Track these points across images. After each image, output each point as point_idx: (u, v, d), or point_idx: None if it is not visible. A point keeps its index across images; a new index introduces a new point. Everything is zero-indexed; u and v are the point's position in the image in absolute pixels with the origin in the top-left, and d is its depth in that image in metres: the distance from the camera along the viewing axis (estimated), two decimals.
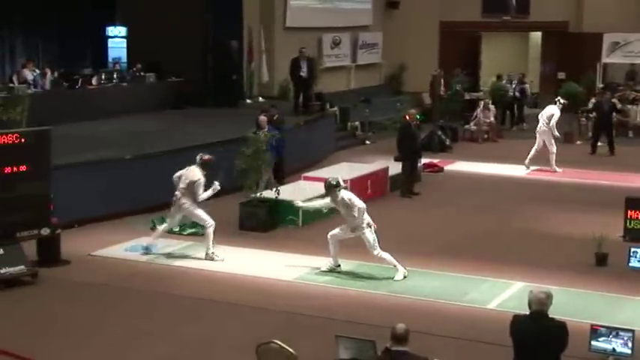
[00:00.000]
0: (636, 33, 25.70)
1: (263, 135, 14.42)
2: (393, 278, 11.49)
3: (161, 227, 12.86)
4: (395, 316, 9.03)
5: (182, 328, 9.89)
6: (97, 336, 9.62)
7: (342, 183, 11.79)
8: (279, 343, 7.14)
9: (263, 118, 16.20)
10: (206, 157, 12.53)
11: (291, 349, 7.08)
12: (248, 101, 22.83)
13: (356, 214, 11.48)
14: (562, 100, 19.99)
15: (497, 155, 21.35)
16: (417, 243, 13.41)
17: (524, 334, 6.78)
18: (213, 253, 12.36)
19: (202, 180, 12.33)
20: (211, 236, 12.36)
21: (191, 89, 21.87)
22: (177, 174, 12.58)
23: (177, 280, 11.64)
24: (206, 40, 22.18)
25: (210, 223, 12.39)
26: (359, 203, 11.55)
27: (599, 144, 21.80)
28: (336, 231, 11.76)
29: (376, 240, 11.60)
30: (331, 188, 11.63)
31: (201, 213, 12.48)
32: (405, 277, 11.52)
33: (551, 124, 19.26)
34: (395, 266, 11.59)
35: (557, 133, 19.37)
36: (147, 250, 12.61)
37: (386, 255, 11.62)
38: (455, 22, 28.46)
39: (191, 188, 12.33)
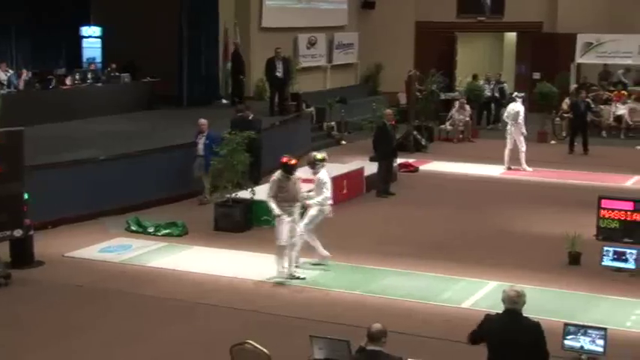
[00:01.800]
0: (609, 34, 25.88)
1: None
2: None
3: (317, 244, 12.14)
4: (370, 315, 9.06)
5: (157, 330, 9.85)
6: (72, 338, 9.56)
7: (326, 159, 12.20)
8: (253, 343, 7.13)
9: (203, 121, 16.05)
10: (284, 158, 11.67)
11: (265, 350, 7.07)
12: (224, 101, 22.79)
13: (325, 191, 11.84)
14: (518, 94, 20.21)
15: (472, 155, 21.45)
16: (393, 243, 13.43)
17: (497, 333, 6.79)
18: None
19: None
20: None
21: (166, 89, 21.80)
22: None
23: (152, 281, 11.59)
24: (181, 40, 22.10)
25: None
26: (329, 181, 12.05)
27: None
28: (304, 226, 11.85)
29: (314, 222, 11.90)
30: (318, 162, 11.91)
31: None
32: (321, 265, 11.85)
33: (519, 122, 19.39)
34: (318, 251, 11.87)
35: (524, 131, 19.48)
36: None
37: (311, 237, 11.86)
38: (430, 22, 28.53)
39: None
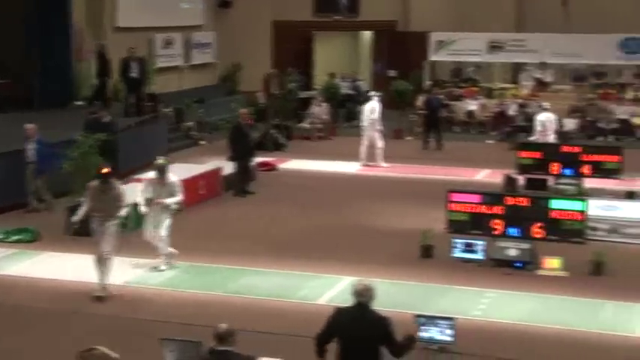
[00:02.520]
0: (460, 32, 26.69)
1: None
2: (159, 268, 11.94)
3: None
4: (226, 315, 9.08)
5: (5, 338, 9.56)
6: None
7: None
8: (103, 349, 6.97)
9: (30, 126, 15.54)
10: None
11: (114, 355, 6.93)
12: (78, 103, 22.21)
13: (178, 192, 11.91)
14: (374, 93, 20.76)
15: (330, 152, 21.72)
16: (249, 242, 13.46)
17: (346, 327, 6.91)
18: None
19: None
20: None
21: (16, 91, 21.05)
22: None
23: (3, 289, 11.23)
24: (32, 40, 21.40)
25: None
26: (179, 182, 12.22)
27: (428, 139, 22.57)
28: (162, 228, 11.89)
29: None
30: (165, 167, 11.98)
31: None
32: (161, 270, 11.91)
33: (374, 118, 19.85)
34: (162, 257, 11.92)
35: (379, 127, 19.93)
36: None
37: (165, 244, 11.92)
38: (287, 21, 28.69)
39: None
